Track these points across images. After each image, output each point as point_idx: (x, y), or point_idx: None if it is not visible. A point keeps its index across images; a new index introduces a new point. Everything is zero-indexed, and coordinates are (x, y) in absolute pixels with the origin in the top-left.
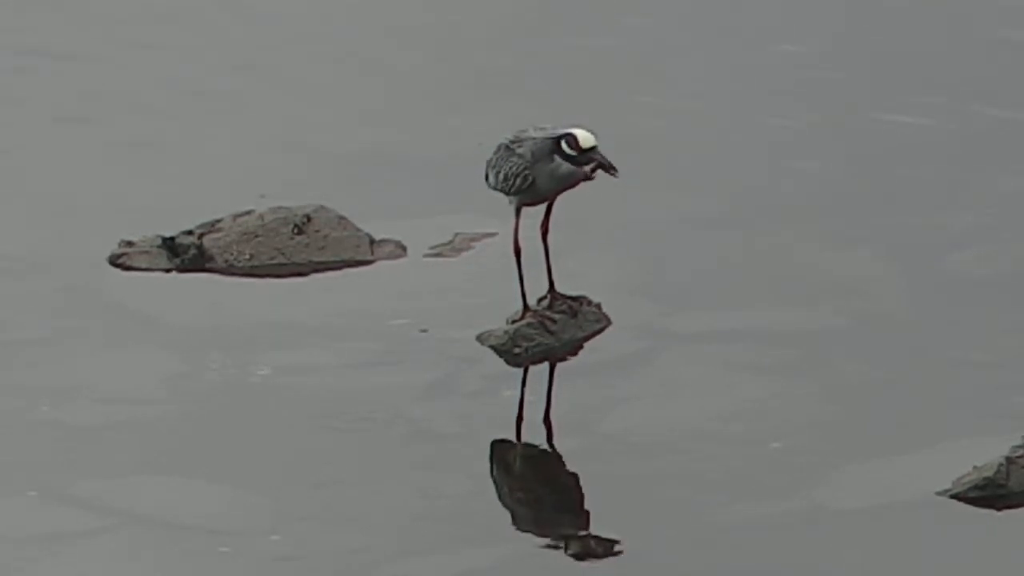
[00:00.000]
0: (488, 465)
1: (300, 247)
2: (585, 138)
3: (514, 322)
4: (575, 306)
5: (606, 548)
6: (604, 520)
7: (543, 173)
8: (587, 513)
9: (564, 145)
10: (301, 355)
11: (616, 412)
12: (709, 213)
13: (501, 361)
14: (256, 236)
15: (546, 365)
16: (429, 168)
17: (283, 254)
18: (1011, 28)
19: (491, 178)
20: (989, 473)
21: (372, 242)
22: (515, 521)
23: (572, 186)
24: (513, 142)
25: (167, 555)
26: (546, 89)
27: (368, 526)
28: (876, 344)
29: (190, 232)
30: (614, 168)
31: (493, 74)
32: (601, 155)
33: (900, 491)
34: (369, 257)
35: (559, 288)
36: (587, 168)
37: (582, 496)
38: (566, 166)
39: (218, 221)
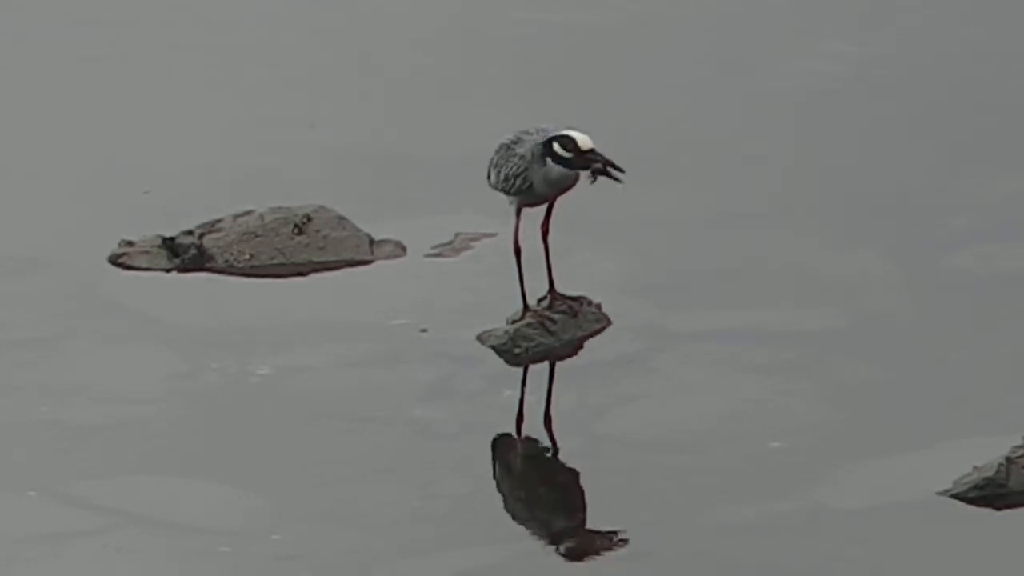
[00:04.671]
0: (488, 465)
1: (300, 247)
2: (583, 140)
3: (514, 322)
4: (575, 306)
5: (606, 548)
6: (604, 520)
7: (538, 176)
8: (587, 513)
9: (558, 147)
10: (301, 355)
11: (616, 412)
12: (709, 213)
13: (501, 361)
14: (256, 236)
15: (546, 365)
16: (429, 168)
17: (283, 254)
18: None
19: (492, 177)
20: (989, 473)
21: (372, 242)
22: (515, 521)
23: (569, 188)
24: (514, 142)
25: (167, 555)
26: (547, 88)
27: (368, 526)
28: (876, 344)
29: (190, 232)
30: (620, 170)
31: (494, 73)
32: (603, 156)
33: (900, 491)
34: (369, 257)
35: (559, 288)
36: (596, 166)
37: (582, 496)
38: (557, 169)
39: (218, 221)
